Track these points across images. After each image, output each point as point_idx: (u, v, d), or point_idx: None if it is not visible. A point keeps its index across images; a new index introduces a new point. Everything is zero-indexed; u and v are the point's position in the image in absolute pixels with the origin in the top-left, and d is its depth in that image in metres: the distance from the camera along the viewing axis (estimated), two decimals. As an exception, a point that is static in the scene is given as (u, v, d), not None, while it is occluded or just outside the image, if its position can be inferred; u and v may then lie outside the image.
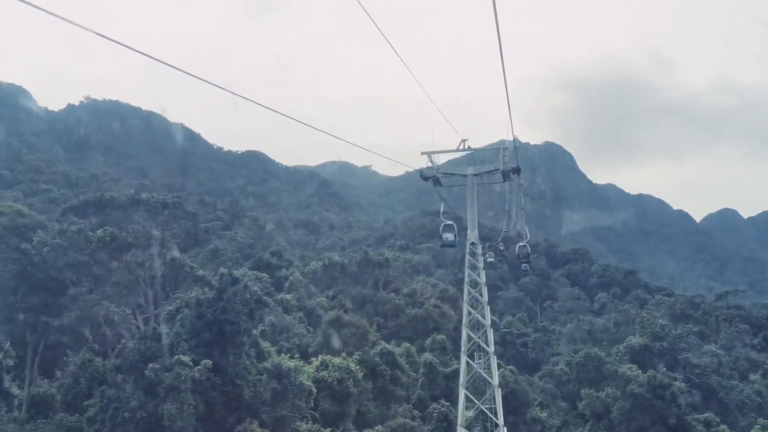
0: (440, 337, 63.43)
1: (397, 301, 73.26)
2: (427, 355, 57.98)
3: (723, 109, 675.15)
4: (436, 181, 34.66)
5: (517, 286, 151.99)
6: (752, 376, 76.18)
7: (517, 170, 33.69)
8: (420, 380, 55.64)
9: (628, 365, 62.12)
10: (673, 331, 71.54)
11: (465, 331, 33.00)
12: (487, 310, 33.66)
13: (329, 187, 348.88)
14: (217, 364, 39.45)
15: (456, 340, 48.19)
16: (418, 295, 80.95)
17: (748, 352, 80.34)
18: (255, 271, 73.96)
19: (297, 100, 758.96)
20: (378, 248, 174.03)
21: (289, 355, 48.88)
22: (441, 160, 35.40)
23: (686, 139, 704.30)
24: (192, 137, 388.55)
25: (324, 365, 47.52)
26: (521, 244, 44.64)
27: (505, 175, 34.53)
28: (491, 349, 32.61)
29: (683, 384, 58.02)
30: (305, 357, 52.63)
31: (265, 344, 48.93)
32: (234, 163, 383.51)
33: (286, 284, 76.85)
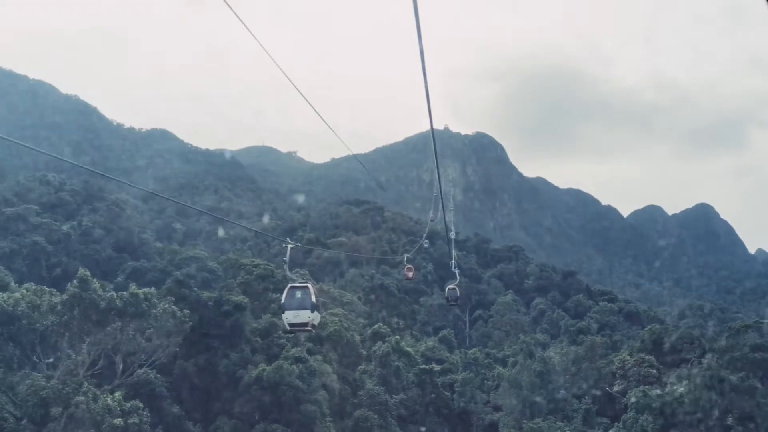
0: None
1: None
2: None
3: (658, 107, 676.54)
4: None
5: (443, 290, 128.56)
6: None
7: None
8: None
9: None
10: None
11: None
12: None
13: (242, 171, 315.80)
14: None
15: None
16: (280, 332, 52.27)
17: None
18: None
19: (219, 84, 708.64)
20: (278, 244, 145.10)
21: None
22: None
23: (619, 135, 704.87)
24: (88, 111, 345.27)
25: None
26: (450, 286, 41.92)
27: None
28: None
29: None
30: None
31: None
32: (137, 142, 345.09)
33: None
